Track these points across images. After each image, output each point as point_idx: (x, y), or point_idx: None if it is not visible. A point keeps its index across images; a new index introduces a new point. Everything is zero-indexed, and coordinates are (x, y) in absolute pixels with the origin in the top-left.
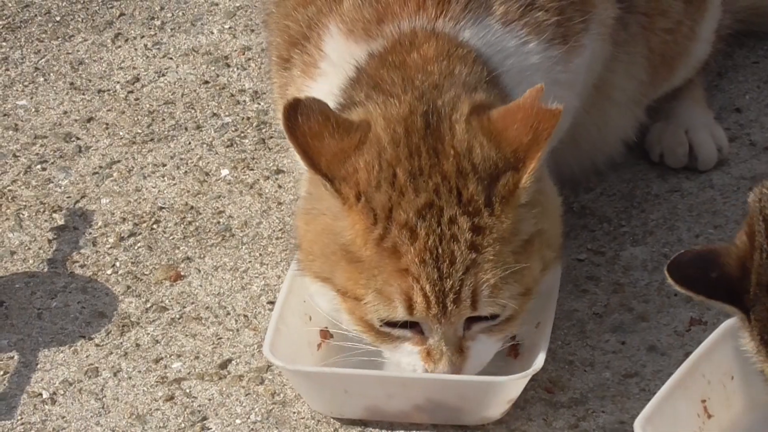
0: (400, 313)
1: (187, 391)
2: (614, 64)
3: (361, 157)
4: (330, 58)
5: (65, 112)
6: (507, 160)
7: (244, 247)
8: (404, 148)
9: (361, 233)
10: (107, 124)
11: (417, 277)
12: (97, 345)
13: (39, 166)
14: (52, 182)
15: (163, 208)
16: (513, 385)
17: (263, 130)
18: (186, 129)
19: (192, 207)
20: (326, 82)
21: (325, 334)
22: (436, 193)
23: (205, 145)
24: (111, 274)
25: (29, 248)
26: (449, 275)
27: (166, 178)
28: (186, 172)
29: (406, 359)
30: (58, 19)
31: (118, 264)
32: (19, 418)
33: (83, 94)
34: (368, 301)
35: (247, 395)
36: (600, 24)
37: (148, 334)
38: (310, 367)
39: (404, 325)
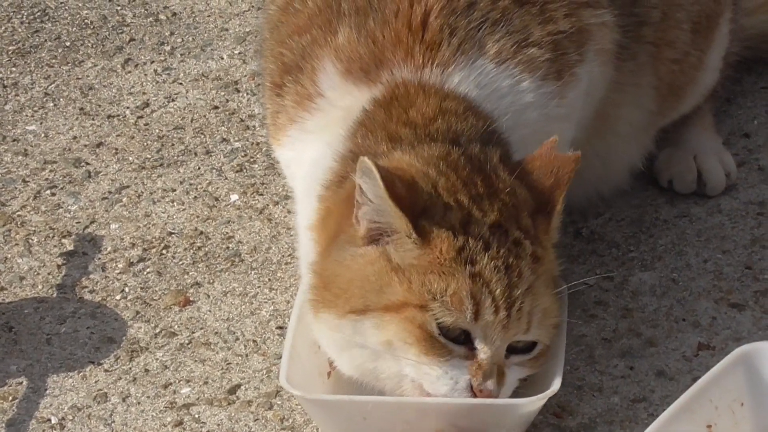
0: (467, 317)
1: (196, 416)
2: (622, 95)
3: (421, 193)
4: (327, 97)
5: (75, 138)
6: (538, 203)
7: (253, 272)
8: (457, 179)
9: (442, 248)
10: (117, 149)
11: (489, 281)
12: (106, 370)
13: (48, 192)
14: (62, 207)
15: (173, 233)
16: (531, 407)
17: (273, 156)
18: (195, 154)
19: (201, 232)
20: (323, 118)
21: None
22: (501, 215)
23: (214, 171)
24: (120, 300)
25: (38, 273)
26: (517, 286)
27: (175, 203)
28: (195, 197)
29: (451, 373)
30: (68, 44)
31: (127, 289)
32: None
33: (93, 119)
34: (435, 307)
35: (255, 420)
36: (598, 52)
37: (157, 359)
38: (330, 396)
39: (458, 339)
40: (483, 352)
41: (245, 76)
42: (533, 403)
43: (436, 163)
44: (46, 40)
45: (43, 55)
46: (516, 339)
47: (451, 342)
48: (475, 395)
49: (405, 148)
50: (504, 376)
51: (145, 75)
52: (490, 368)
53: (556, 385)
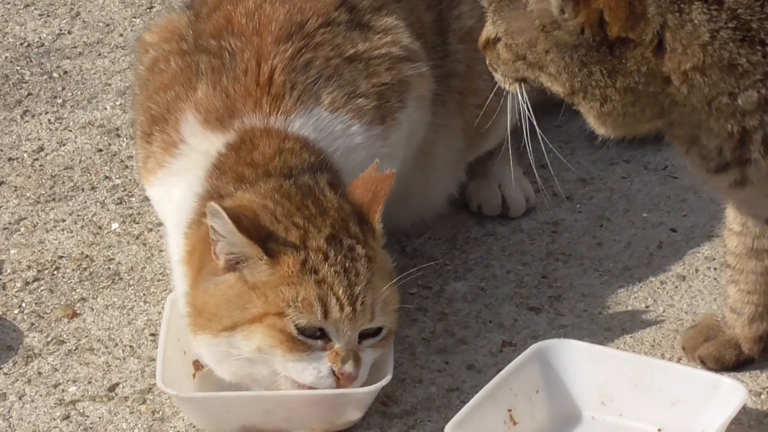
0: (318, 317)
1: (81, 411)
2: (435, 136)
3: (263, 222)
4: (188, 143)
5: None
6: (362, 213)
7: (130, 288)
8: (291, 205)
9: (288, 263)
10: (16, 186)
11: (331, 285)
12: (5, 374)
13: None
14: None
15: (63, 256)
16: (369, 395)
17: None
18: (83, 190)
19: (87, 255)
20: (185, 162)
21: (198, 365)
22: (333, 228)
23: (98, 203)
24: (18, 313)
25: None
26: (356, 284)
27: (65, 231)
28: (82, 226)
29: (314, 364)
30: None
31: (23, 305)
32: None
33: None
34: (291, 312)
35: (131, 413)
36: (416, 99)
37: (49, 363)
38: (199, 393)
39: (315, 336)
40: (338, 343)
41: (125, 123)
42: (371, 391)
43: (271, 195)
44: None
45: None
46: (365, 327)
47: (310, 339)
48: (338, 379)
49: (246, 187)
50: (360, 360)
51: (41, 124)
52: (346, 354)
53: (389, 376)
